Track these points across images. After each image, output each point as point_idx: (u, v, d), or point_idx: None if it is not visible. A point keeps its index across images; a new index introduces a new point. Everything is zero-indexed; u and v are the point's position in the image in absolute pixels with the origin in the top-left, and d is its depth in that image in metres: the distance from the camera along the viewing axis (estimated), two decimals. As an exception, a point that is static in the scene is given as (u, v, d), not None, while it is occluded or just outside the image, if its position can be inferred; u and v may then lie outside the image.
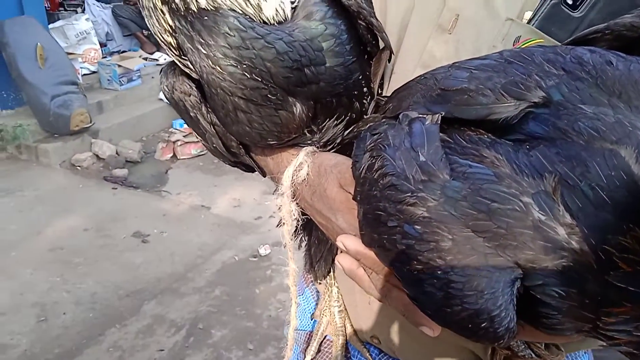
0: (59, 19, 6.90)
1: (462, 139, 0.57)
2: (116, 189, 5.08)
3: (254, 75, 0.72)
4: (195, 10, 0.71)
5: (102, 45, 7.23)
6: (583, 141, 0.49)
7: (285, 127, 0.78)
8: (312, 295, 1.15)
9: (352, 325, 1.04)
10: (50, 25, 6.43)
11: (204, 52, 0.71)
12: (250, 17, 0.72)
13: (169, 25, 0.75)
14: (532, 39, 0.73)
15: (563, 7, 0.72)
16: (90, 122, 5.58)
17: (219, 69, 0.71)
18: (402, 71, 0.86)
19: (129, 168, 5.49)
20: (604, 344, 0.52)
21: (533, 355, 0.86)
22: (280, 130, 0.78)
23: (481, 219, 0.49)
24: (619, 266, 0.46)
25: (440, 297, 0.51)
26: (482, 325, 0.50)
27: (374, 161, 0.60)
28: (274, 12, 0.74)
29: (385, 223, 0.56)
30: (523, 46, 0.72)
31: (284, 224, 0.84)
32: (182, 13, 0.72)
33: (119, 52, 7.45)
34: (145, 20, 0.78)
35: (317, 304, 1.11)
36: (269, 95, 0.74)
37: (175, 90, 0.81)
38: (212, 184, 5.17)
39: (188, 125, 0.86)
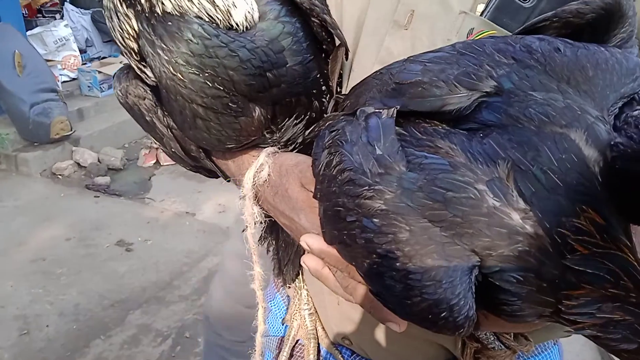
0: (37, 26, 6.82)
1: (417, 132, 0.57)
2: (98, 197, 5.03)
3: (216, 84, 0.71)
4: (160, 13, 0.70)
5: (82, 51, 7.16)
6: (534, 126, 0.50)
7: (244, 131, 0.77)
8: (283, 300, 1.14)
9: (323, 327, 1.04)
10: (29, 32, 6.36)
11: (165, 57, 0.70)
12: (216, 24, 0.71)
13: (131, 27, 0.74)
14: (484, 30, 0.74)
15: None
16: (71, 130, 5.52)
17: (179, 76, 0.70)
18: (360, 68, 0.86)
19: (112, 176, 5.44)
20: (570, 329, 0.52)
21: (502, 346, 0.86)
22: (239, 135, 0.77)
23: (437, 208, 0.49)
24: (575, 249, 0.46)
25: (400, 289, 0.51)
26: (442, 315, 0.50)
27: (332, 157, 0.60)
28: (243, 18, 0.73)
29: (344, 218, 0.55)
30: (477, 38, 0.72)
31: (247, 227, 0.83)
32: (146, 15, 0.71)
33: (99, 58, 7.38)
34: (107, 22, 0.77)
35: (287, 309, 1.10)
36: (229, 104, 0.73)
37: (129, 94, 0.80)
38: (196, 189, 5.13)
39: (145, 130, 0.84)
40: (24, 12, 6.67)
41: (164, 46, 0.70)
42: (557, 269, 0.47)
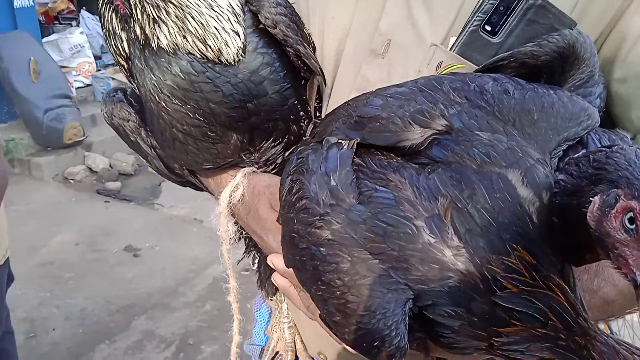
0: (53, 32, 6.93)
1: (374, 163, 0.60)
2: (109, 202, 5.08)
3: (197, 115, 0.75)
4: (155, 47, 0.74)
5: (97, 57, 7.26)
6: (475, 165, 0.52)
7: (220, 154, 0.81)
8: (268, 311, 1.17)
9: (302, 340, 1.06)
10: (45, 39, 6.47)
11: (152, 86, 0.74)
12: (205, 60, 0.74)
13: (124, 51, 0.78)
14: (453, 64, 0.75)
15: (482, 34, 0.74)
16: (84, 135, 5.61)
17: (163, 104, 0.74)
18: (338, 94, 0.88)
19: (122, 181, 5.49)
20: None
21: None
22: (215, 157, 0.81)
23: (377, 241, 0.52)
24: (505, 286, 0.48)
25: (340, 317, 0.54)
26: (375, 344, 0.52)
27: (293, 185, 0.63)
28: (234, 55, 0.76)
29: (297, 245, 0.58)
30: (444, 72, 0.74)
31: (222, 243, 0.86)
32: (140, 46, 0.75)
33: (113, 64, 7.48)
34: (103, 39, 0.81)
35: (269, 320, 1.13)
36: (208, 132, 0.77)
37: (114, 116, 0.84)
38: (205, 196, 5.12)
39: (130, 148, 0.88)
40: (41, 19, 6.78)
41: (153, 77, 0.74)
42: (487, 305, 0.49)
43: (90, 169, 5.56)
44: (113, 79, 6.55)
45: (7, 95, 5.57)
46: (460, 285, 0.49)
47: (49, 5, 7.34)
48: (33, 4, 6.07)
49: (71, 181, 5.42)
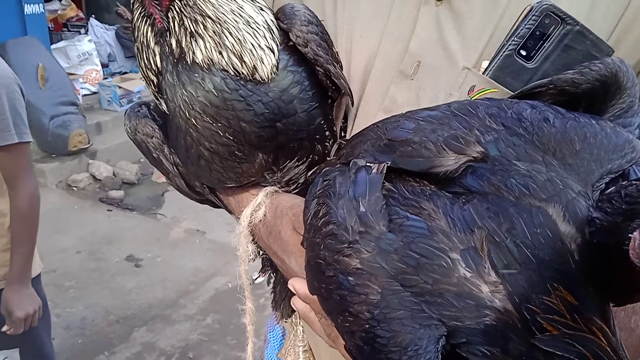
0: (62, 40, 6.96)
1: (405, 190, 0.58)
2: (111, 210, 5.07)
3: (227, 133, 0.73)
4: (189, 62, 0.72)
5: (104, 65, 7.28)
6: (513, 197, 0.50)
7: (245, 174, 0.79)
8: (282, 332, 1.15)
9: None
10: (53, 46, 6.50)
11: (183, 102, 0.72)
12: (238, 78, 0.73)
13: (156, 65, 0.76)
14: (485, 89, 0.73)
15: (517, 58, 0.72)
16: (89, 143, 5.61)
17: (193, 121, 0.73)
18: (364, 115, 0.86)
19: (126, 190, 5.48)
20: None
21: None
22: (239, 176, 0.79)
23: (410, 273, 0.50)
24: (544, 327, 0.46)
25: (368, 350, 0.51)
26: None
27: (319, 208, 0.60)
28: (269, 72, 0.74)
29: (324, 272, 0.56)
30: (477, 96, 0.73)
31: (241, 263, 0.84)
32: (173, 59, 0.73)
33: (120, 73, 7.51)
34: (135, 52, 0.79)
35: (283, 342, 1.10)
36: (236, 152, 0.76)
37: (138, 132, 0.82)
38: (207, 207, 5.10)
39: (151, 164, 0.87)
40: (50, 25, 6.82)
41: (185, 92, 0.72)
42: (524, 346, 0.46)
43: (93, 176, 5.56)
44: (119, 87, 6.56)
45: (14, 101, 5.57)
46: (497, 324, 0.47)
47: (59, 12, 7.38)
48: (43, 11, 6.10)
49: (74, 188, 5.41)
